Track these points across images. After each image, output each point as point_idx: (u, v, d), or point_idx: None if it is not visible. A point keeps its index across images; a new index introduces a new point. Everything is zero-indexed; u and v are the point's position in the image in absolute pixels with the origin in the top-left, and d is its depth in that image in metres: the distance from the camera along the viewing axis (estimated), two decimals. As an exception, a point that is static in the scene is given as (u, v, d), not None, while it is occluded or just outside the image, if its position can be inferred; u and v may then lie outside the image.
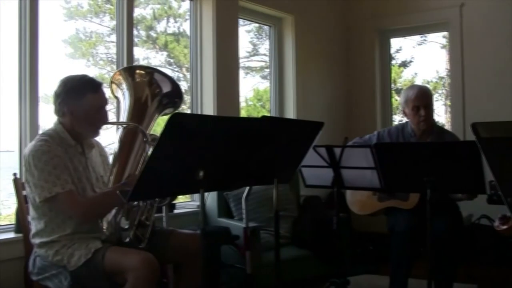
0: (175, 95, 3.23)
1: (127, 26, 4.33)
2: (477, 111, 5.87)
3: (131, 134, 3.08)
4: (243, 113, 5.87)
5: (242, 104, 5.96)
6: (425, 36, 6.86)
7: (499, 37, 5.85)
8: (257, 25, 6.09)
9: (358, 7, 6.81)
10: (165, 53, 5.21)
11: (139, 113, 3.12)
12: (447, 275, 3.68)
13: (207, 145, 2.36)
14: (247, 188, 3.92)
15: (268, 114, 5.92)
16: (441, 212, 3.70)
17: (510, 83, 5.78)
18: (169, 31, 5.24)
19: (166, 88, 3.19)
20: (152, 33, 5.11)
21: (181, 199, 4.82)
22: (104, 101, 2.98)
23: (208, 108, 4.95)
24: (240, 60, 5.80)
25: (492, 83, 5.90)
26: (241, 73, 5.94)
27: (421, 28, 6.59)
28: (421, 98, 3.97)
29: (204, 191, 2.42)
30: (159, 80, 3.19)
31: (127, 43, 4.32)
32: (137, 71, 3.28)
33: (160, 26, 5.19)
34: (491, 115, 5.42)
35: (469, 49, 6.05)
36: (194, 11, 5.05)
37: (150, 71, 3.25)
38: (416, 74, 7.06)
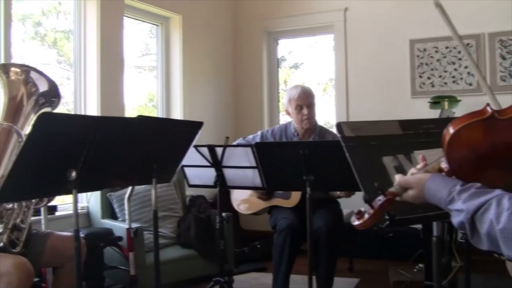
0: (52, 94, 3.14)
1: (4, 21, 4.15)
2: (359, 111, 6.12)
3: (5, 134, 2.97)
4: (134, 114, 5.77)
5: (134, 104, 5.88)
6: (316, 39, 7.02)
7: (379, 40, 6.13)
8: (149, 24, 6.01)
9: (246, 9, 6.89)
10: (54, 50, 5.04)
11: (14, 112, 3.02)
12: (327, 270, 3.80)
13: (79, 145, 2.32)
14: (130, 188, 3.89)
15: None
16: (321, 210, 3.83)
17: (387, 85, 6.09)
18: (59, 28, 5.07)
19: (42, 87, 3.11)
20: (41, 30, 4.92)
21: (64, 200, 4.67)
22: (-25, 100, 2.88)
23: (92, 108, 4.81)
24: (133, 60, 5.72)
25: (371, 85, 6.18)
26: (134, 72, 5.87)
27: (308, 30, 6.74)
28: (304, 97, 4.08)
29: (77, 192, 2.38)
30: (35, 79, 3.10)
31: (4, 39, 4.14)
32: (12, 68, 3.15)
33: (50, 23, 5.01)
34: (372, 115, 5.64)
35: (352, 51, 6.29)
36: (78, 8, 4.88)
37: (26, 69, 3.14)
38: (307, 75, 7.20)
